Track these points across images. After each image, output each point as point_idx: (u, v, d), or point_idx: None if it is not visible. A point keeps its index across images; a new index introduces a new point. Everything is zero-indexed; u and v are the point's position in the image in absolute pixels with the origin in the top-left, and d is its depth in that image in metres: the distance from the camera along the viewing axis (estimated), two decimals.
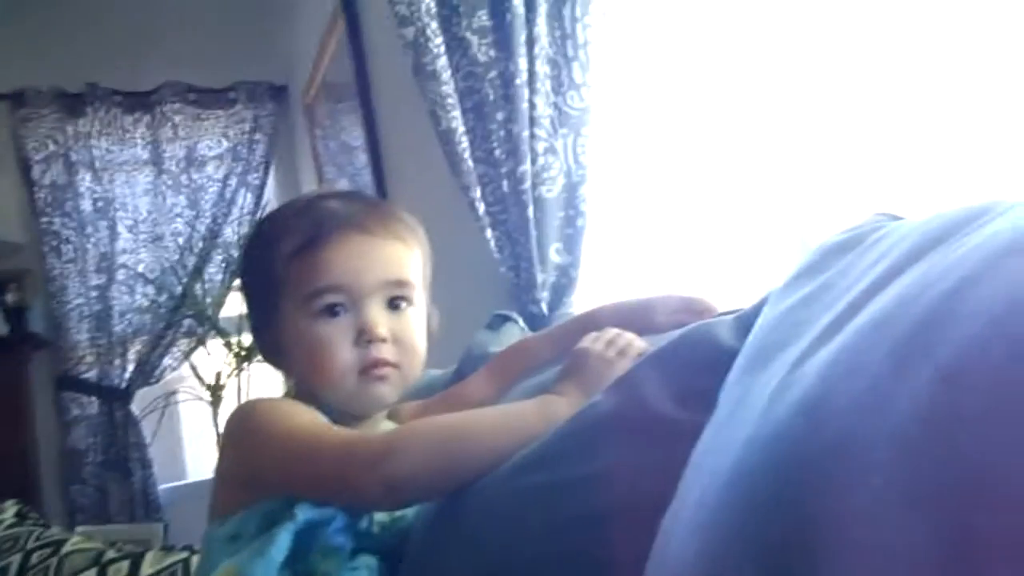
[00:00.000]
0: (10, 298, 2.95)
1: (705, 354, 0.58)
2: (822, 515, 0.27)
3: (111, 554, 1.12)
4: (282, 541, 0.66)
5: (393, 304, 0.78)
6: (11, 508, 1.27)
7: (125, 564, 1.09)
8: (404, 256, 0.80)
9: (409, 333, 0.78)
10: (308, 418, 0.72)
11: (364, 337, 0.75)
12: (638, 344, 0.77)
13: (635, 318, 0.84)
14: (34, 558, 1.13)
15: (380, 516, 0.73)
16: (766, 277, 1.30)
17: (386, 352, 0.76)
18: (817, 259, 0.52)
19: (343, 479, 0.65)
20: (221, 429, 2.57)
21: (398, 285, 0.78)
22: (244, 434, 0.75)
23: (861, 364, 0.30)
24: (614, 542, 0.53)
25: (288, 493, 0.69)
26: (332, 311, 0.75)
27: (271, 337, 0.81)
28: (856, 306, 0.37)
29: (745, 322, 0.58)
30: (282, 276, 0.77)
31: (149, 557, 1.11)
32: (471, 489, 0.65)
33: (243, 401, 0.80)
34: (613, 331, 0.79)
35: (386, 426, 0.83)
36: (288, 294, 0.77)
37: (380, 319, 0.76)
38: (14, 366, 2.90)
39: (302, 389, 0.80)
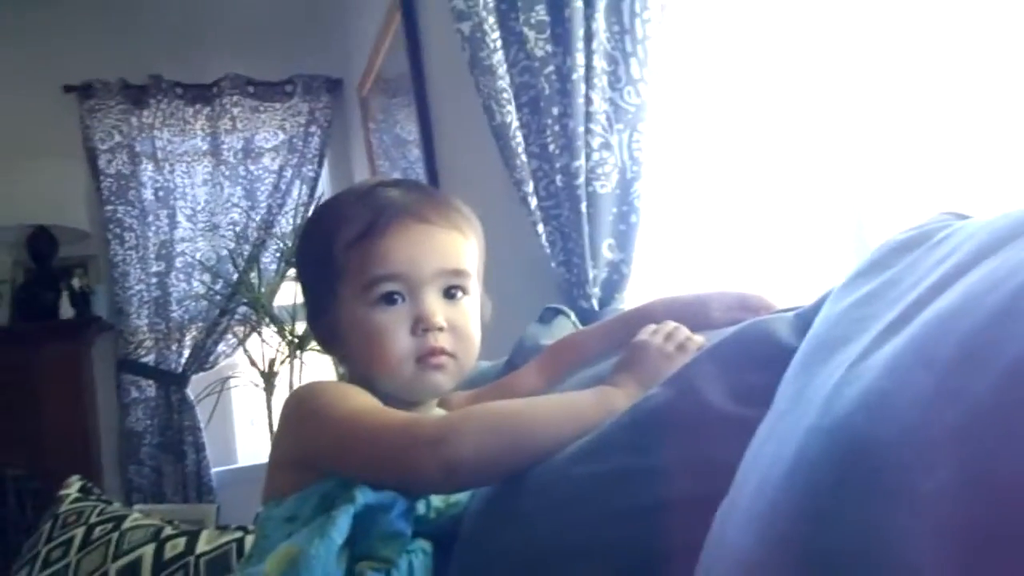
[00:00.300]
0: (76, 283, 3.05)
1: (762, 350, 0.58)
2: (887, 505, 0.27)
3: (168, 531, 1.15)
4: (342, 523, 0.66)
5: (449, 293, 0.78)
6: (76, 484, 1.32)
7: (182, 541, 1.12)
8: (461, 245, 0.80)
9: (465, 322, 0.79)
10: (367, 400, 0.73)
11: (421, 326, 0.76)
12: (697, 339, 0.76)
13: (689, 313, 0.84)
14: (96, 532, 1.17)
15: (436, 502, 0.74)
16: (822, 275, 1.28)
17: (443, 341, 0.76)
18: (881, 257, 0.51)
19: (402, 460, 0.66)
20: (275, 415, 2.62)
21: (455, 274, 0.78)
22: (302, 416, 0.76)
23: (928, 358, 0.30)
24: (666, 534, 0.53)
25: (345, 475, 0.70)
26: (390, 299, 0.76)
27: (328, 325, 0.81)
28: (922, 302, 0.37)
29: (804, 319, 0.58)
30: (340, 264, 0.78)
31: (204, 535, 1.14)
32: (526, 475, 0.65)
33: (300, 384, 0.81)
34: (672, 325, 0.78)
35: (437, 414, 0.83)
36: (346, 282, 0.78)
37: (437, 308, 0.77)
38: (79, 348, 3.00)
39: (357, 376, 0.80)
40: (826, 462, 0.32)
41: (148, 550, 1.10)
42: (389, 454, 0.67)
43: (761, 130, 1.42)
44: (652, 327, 0.79)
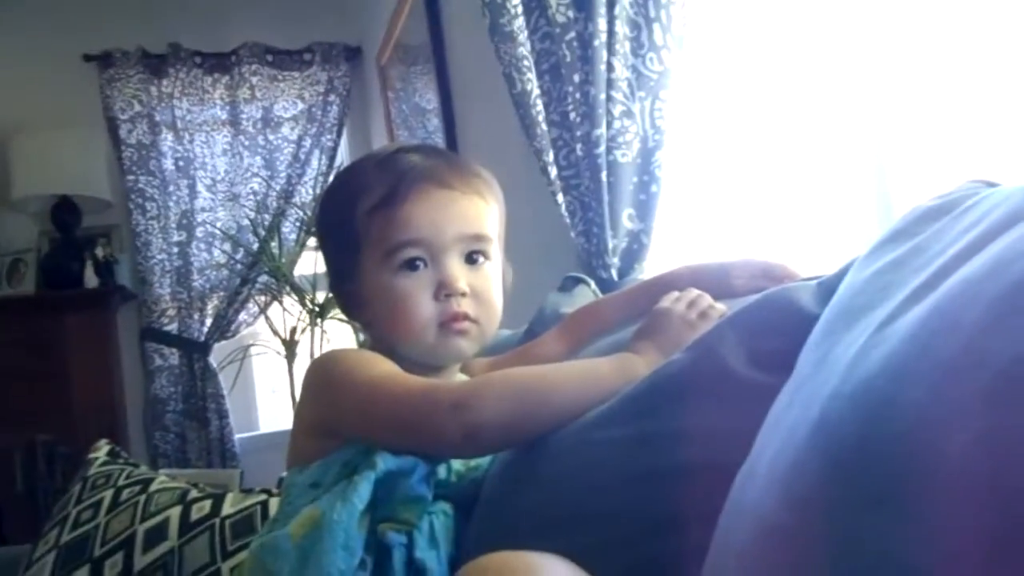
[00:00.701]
0: (100, 252, 3.09)
1: (784, 318, 0.58)
2: (911, 466, 0.27)
3: (194, 493, 1.18)
4: (363, 489, 0.67)
5: (471, 258, 0.78)
6: (104, 448, 1.34)
7: (207, 503, 1.14)
8: (482, 211, 0.80)
9: (487, 287, 0.79)
10: (388, 367, 0.74)
11: (444, 291, 0.76)
12: (719, 307, 0.76)
13: (712, 281, 0.84)
14: (124, 494, 1.19)
15: (457, 465, 0.75)
16: (843, 244, 1.27)
17: (465, 306, 0.76)
18: (907, 224, 0.51)
19: (423, 425, 0.67)
20: (297, 383, 2.65)
21: (476, 240, 0.78)
22: (325, 383, 0.77)
23: (954, 322, 0.30)
24: (683, 498, 0.54)
25: (367, 441, 0.71)
26: (412, 265, 0.76)
27: (350, 291, 0.82)
28: (949, 269, 0.36)
29: (827, 287, 0.58)
30: (362, 231, 0.78)
31: (229, 498, 1.16)
32: (546, 440, 0.66)
33: (322, 352, 0.82)
34: (695, 292, 0.78)
35: (459, 380, 0.84)
36: (368, 248, 0.78)
37: (459, 273, 0.77)
38: (104, 317, 3.05)
39: (379, 343, 0.81)
40: (849, 424, 0.32)
41: (175, 512, 1.13)
42: (411, 419, 0.68)
43: (784, 98, 1.41)
44: (675, 294, 0.79)
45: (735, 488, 0.42)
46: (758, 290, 0.73)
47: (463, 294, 0.76)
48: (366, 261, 0.79)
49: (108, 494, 1.20)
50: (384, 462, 0.69)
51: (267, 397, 3.58)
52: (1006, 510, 0.24)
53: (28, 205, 3.09)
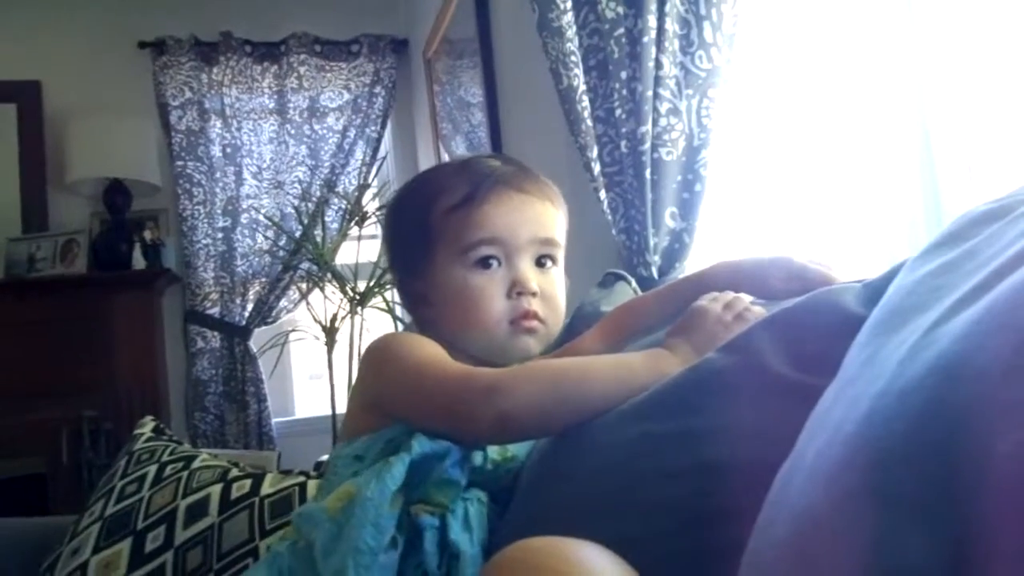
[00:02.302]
0: (148, 235, 3.16)
1: (828, 319, 0.57)
2: (959, 466, 0.27)
3: (235, 472, 1.20)
4: (397, 470, 0.69)
5: (540, 261, 0.83)
6: (149, 424, 1.38)
7: (248, 482, 1.16)
8: (553, 216, 0.84)
9: (554, 290, 0.83)
10: (436, 350, 0.76)
11: (516, 289, 0.80)
12: (757, 310, 0.76)
13: (749, 280, 0.83)
14: (167, 470, 1.22)
15: (493, 454, 0.75)
16: (889, 248, 1.25)
17: (535, 305, 0.81)
18: (959, 228, 0.50)
19: (457, 409, 0.69)
20: (336, 369, 2.68)
21: (547, 243, 0.83)
22: (379, 362, 0.80)
23: (1008, 323, 0.30)
24: (719, 495, 0.54)
25: (412, 421, 0.73)
26: (486, 263, 0.80)
27: (419, 287, 0.85)
28: (1003, 272, 0.36)
29: (874, 289, 0.57)
30: (438, 230, 0.82)
31: (269, 478, 1.18)
32: (585, 432, 0.67)
33: (371, 337, 0.85)
34: (732, 294, 0.78)
35: None
36: (443, 246, 0.82)
37: (531, 274, 0.81)
38: (149, 299, 3.12)
39: (443, 340, 0.82)
40: (897, 422, 0.32)
41: (216, 489, 1.15)
42: (445, 402, 0.70)
43: (831, 99, 1.39)
44: (713, 294, 0.79)
45: (777, 483, 0.42)
46: (795, 292, 0.73)
47: (534, 293, 0.80)
48: (440, 259, 0.82)
49: (152, 469, 1.23)
50: (420, 445, 0.70)
51: (304, 383, 3.64)
52: None
53: (82, 187, 3.18)
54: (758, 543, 0.39)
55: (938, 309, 0.38)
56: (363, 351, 0.84)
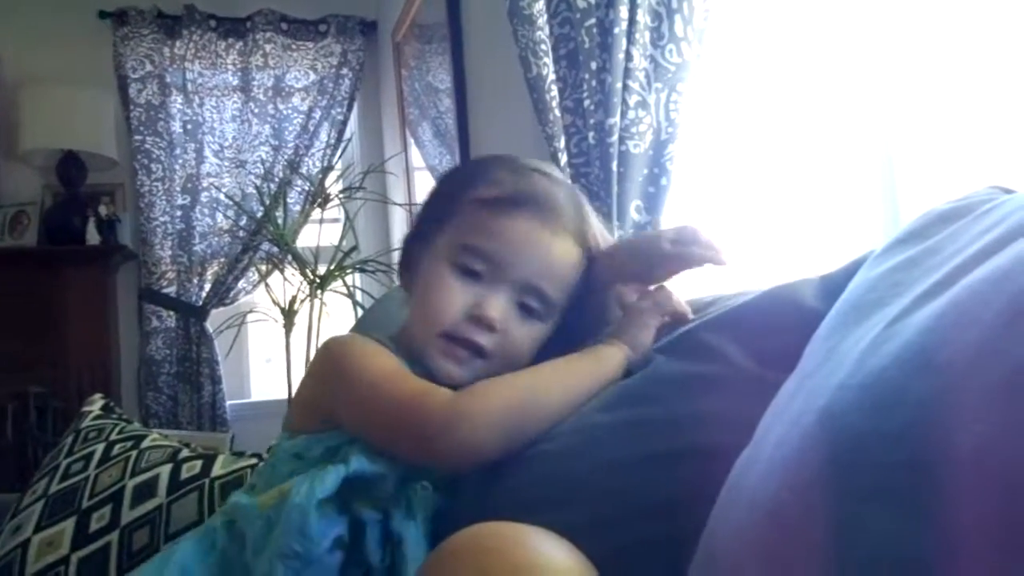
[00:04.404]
0: (103, 210, 3.08)
1: (786, 314, 0.58)
2: (920, 457, 0.27)
3: (185, 453, 1.18)
4: (329, 482, 0.66)
5: (526, 307, 0.76)
6: (98, 402, 1.34)
7: (198, 463, 1.14)
8: (564, 270, 0.77)
9: (521, 344, 0.76)
10: (390, 365, 0.72)
11: (476, 311, 0.74)
12: (684, 307, 0.77)
13: (644, 252, 0.81)
14: (116, 449, 1.19)
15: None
16: (848, 243, 1.27)
17: (485, 340, 0.74)
18: (921, 226, 0.51)
19: (412, 436, 0.66)
20: (293, 353, 2.63)
21: (538, 293, 0.76)
22: (330, 371, 0.75)
23: (972, 318, 0.30)
24: (679, 481, 0.54)
25: (359, 436, 0.70)
26: (471, 272, 0.75)
27: (417, 253, 0.82)
28: (967, 267, 0.36)
29: (832, 284, 0.58)
30: (458, 212, 0.78)
31: (220, 460, 1.16)
32: None
33: (334, 336, 0.80)
34: (665, 292, 0.78)
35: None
36: (450, 231, 0.78)
37: (504, 308, 0.75)
38: (103, 275, 3.04)
39: (405, 326, 0.81)
40: (855, 413, 0.32)
41: (165, 470, 1.13)
42: (400, 426, 0.67)
43: (795, 95, 1.40)
44: (638, 294, 0.79)
45: (735, 473, 0.42)
46: (684, 255, 0.74)
47: (491, 328, 0.74)
48: (440, 241, 0.78)
49: (100, 448, 1.20)
50: (358, 463, 0.67)
51: (261, 366, 3.59)
52: (1014, 507, 0.24)
53: (34, 158, 3.08)
54: (714, 532, 0.39)
55: (900, 303, 0.39)
56: (318, 347, 0.80)
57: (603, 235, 0.82)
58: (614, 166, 1.42)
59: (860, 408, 0.32)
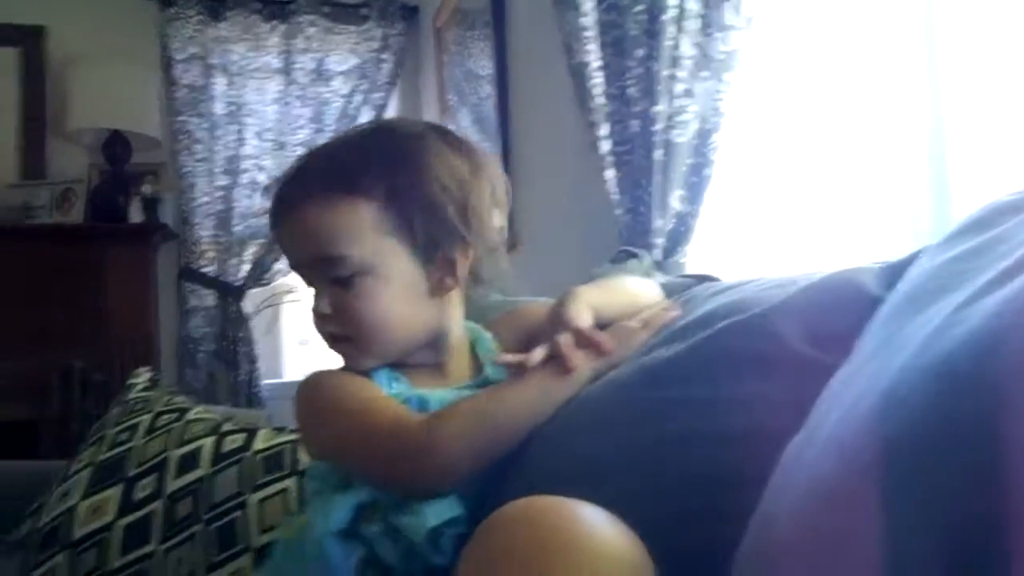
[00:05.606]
0: (146, 189, 3.14)
1: (844, 298, 0.58)
2: (988, 444, 0.27)
3: (228, 426, 1.20)
4: (342, 514, 0.68)
5: (337, 280, 0.74)
6: (144, 375, 1.37)
7: (240, 437, 1.16)
8: (328, 228, 0.73)
9: (355, 308, 0.74)
10: (361, 397, 0.73)
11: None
12: (665, 317, 0.76)
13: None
14: (161, 420, 1.22)
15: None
16: (893, 238, 1.26)
17: (331, 326, 0.75)
18: (985, 216, 0.50)
19: (391, 474, 0.68)
20: None
21: (325, 263, 0.74)
22: (307, 414, 0.79)
23: None
24: (725, 460, 0.54)
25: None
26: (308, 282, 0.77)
27: None
28: None
29: (893, 272, 0.57)
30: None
31: (261, 434, 1.18)
32: (589, 394, 0.67)
33: (307, 376, 0.81)
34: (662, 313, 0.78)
35: (482, 339, 0.85)
36: None
37: (321, 296, 0.75)
38: (145, 253, 3.10)
39: None
40: (919, 395, 0.32)
41: (208, 442, 1.15)
42: (378, 465, 0.69)
43: (841, 90, 1.38)
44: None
45: (789, 452, 0.42)
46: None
47: (323, 316, 0.75)
48: None
49: (146, 419, 1.23)
50: (366, 492, 0.69)
51: (294, 347, 3.64)
52: None
53: (82, 137, 3.15)
54: (768, 510, 0.40)
55: (966, 291, 0.38)
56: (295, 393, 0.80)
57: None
58: (657, 155, 1.42)
59: (924, 391, 0.32)
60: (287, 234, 0.76)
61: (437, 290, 0.77)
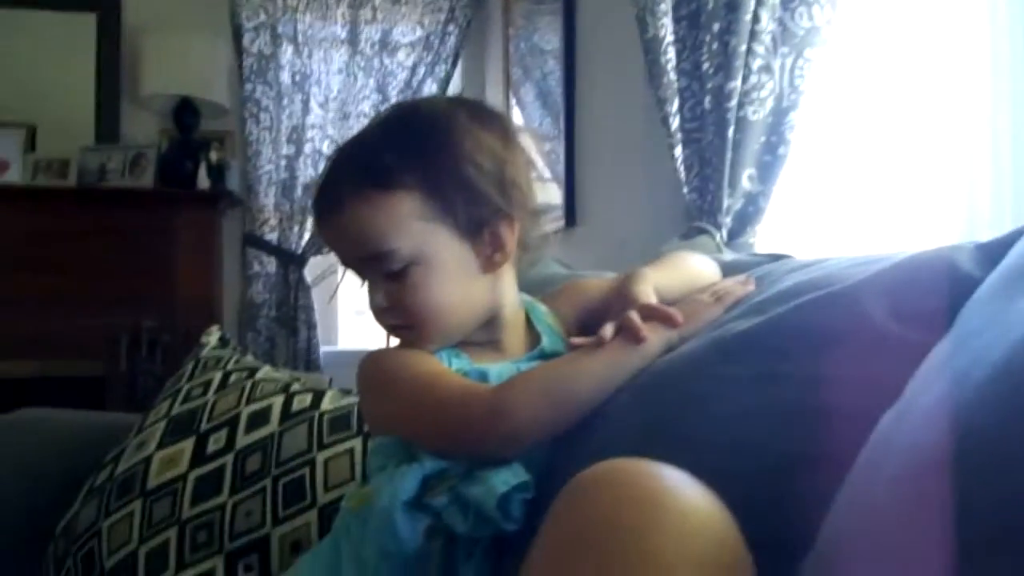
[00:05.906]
0: (214, 156, 3.21)
1: (936, 276, 0.56)
2: None
3: (296, 387, 1.23)
4: (409, 483, 0.68)
5: (388, 275, 0.75)
6: (215, 333, 1.41)
7: (308, 397, 1.19)
8: (369, 226, 0.73)
9: (411, 298, 0.75)
10: (424, 369, 0.74)
11: None
12: (738, 291, 0.76)
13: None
14: (232, 378, 1.26)
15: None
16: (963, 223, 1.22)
17: (391, 318, 0.77)
18: None
19: (460, 439, 0.69)
20: None
21: (374, 260, 0.74)
22: (370, 390, 0.80)
23: None
24: (809, 437, 0.54)
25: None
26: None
27: None
28: None
29: (989, 251, 0.56)
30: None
31: (329, 395, 1.21)
32: (665, 369, 0.67)
33: (370, 352, 0.81)
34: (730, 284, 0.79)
35: (536, 312, 0.85)
36: None
37: (376, 291, 0.76)
38: (211, 219, 3.18)
39: None
40: None
41: (278, 400, 1.18)
42: (446, 431, 0.70)
43: (922, 78, 1.34)
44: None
45: (883, 426, 0.42)
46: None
47: (382, 309, 0.76)
48: None
49: (218, 375, 1.26)
50: (431, 461, 0.70)
51: (351, 317, 3.70)
52: None
53: (154, 103, 3.22)
54: (864, 479, 0.39)
55: None
56: (357, 370, 0.81)
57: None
58: (730, 132, 1.39)
59: None
60: (332, 237, 0.78)
61: (488, 267, 0.78)
